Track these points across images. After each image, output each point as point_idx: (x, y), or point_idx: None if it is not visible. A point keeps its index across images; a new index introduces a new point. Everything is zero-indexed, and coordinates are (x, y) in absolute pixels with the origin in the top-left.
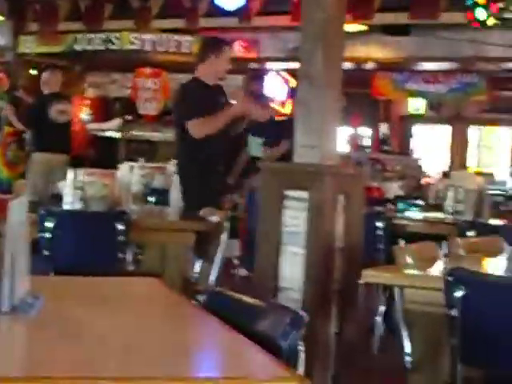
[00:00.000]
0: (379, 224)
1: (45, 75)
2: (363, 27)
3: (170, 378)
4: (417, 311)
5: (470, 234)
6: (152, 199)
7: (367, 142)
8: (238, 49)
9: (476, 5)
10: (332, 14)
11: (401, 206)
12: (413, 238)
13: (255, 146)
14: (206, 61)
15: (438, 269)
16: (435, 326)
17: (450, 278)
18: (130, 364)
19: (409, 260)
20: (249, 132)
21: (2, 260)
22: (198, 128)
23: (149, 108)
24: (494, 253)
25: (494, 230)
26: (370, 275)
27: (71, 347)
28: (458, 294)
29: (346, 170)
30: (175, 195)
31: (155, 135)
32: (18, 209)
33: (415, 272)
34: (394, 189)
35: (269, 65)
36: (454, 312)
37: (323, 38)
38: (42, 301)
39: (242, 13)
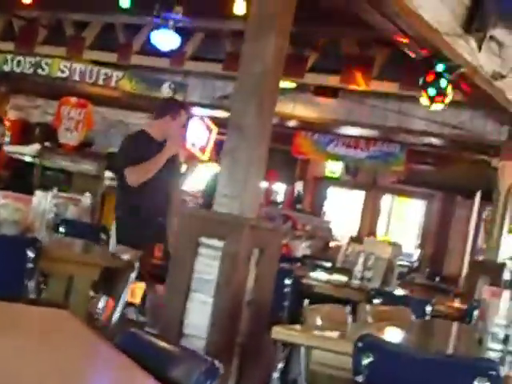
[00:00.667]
0: (287, 282)
1: None
2: (292, 84)
3: None
4: (322, 373)
5: (377, 301)
6: (63, 229)
7: (280, 198)
8: (166, 91)
9: (427, 84)
10: (270, 68)
11: (310, 266)
12: (318, 299)
13: None
14: (161, 119)
15: (346, 333)
16: None
17: (359, 344)
18: None
19: (318, 321)
20: None
21: None
22: (133, 175)
23: (69, 137)
24: (401, 323)
25: (401, 299)
26: (280, 332)
27: None
28: (366, 360)
29: (264, 224)
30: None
31: (72, 166)
32: None
33: (325, 334)
34: (302, 247)
35: (194, 110)
36: (360, 378)
37: (258, 90)
38: None
39: (174, 55)
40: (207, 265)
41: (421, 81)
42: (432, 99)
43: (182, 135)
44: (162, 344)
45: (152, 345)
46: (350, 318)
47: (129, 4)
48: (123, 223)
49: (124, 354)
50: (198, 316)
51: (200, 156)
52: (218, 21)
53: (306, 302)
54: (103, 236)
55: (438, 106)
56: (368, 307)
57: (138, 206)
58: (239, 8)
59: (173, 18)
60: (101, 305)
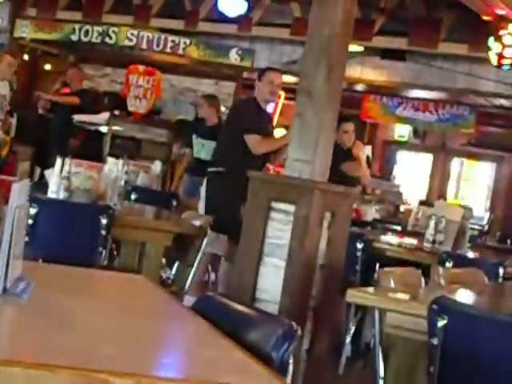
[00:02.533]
0: (359, 245)
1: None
2: (360, 48)
3: (166, 379)
4: (396, 336)
5: (449, 264)
6: (134, 197)
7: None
8: (233, 57)
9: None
10: (338, 32)
11: (381, 229)
12: (389, 262)
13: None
14: (256, 86)
15: (420, 296)
16: (413, 352)
17: (434, 307)
18: (122, 358)
19: (392, 284)
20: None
21: (0, 241)
22: (258, 144)
23: (138, 105)
24: (475, 285)
25: (473, 262)
26: (354, 295)
27: (61, 335)
28: (441, 322)
29: (335, 187)
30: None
31: (142, 133)
32: (20, 191)
33: (400, 296)
34: (371, 212)
35: None
36: (435, 340)
37: (327, 54)
38: (32, 286)
39: (241, 21)
40: (279, 229)
41: (490, 41)
42: (500, 56)
43: (272, 93)
44: (239, 307)
45: (229, 308)
46: (423, 281)
47: None
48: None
49: (201, 317)
50: (271, 280)
51: None
52: None
53: (378, 266)
54: (174, 203)
55: (505, 65)
56: (441, 270)
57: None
58: None
59: None
60: (173, 271)
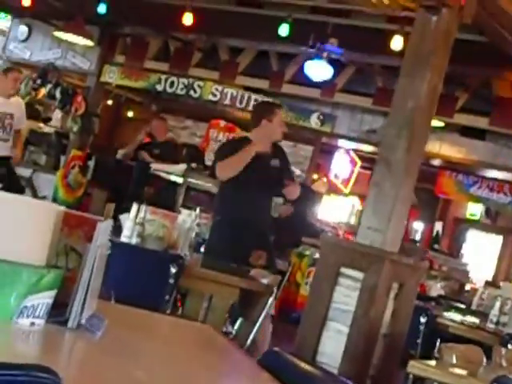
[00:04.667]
0: (423, 319)
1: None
2: (440, 123)
3: None
4: None
5: (511, 346)
6: (203, 249)
7: (419, 236)
8: (314, 121)
9: None
10: (423, 105)
11: (445, 306)
12: (451, 339)
13: None
14: (259, 125)
15: (480, 374)
16: None
17: None
18: None
19: (453, 360)
20: None
21: (80, 277)
22: (220, 169)
23: None
24: None
25: None
26: (415, 366)
27: (128, 372)
28: None
29: (405, 259)
30: None
31: (216, 188)
32: (104, 231)
33: (460, 372)
34: (436, 288)
35: (340, 142)
36: None
37: (410, 126)
38: (105, 324)
39: (325, 86)
40: (346, 295)
41: None
42: None
43: (282, 131)
44: (305, 365)
45: (294, 365)
46: (484, 360)
47: (287, 33)
48: (221, 232)
49: (267, 372)
50: (333, 345)
51: (343, 188)
52: (371, 55)
53: (439, 341)
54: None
55: None
56: (503, 350)
57: (239, 215)
58: (396, 44)
59: (327, 50)
60: (236, 326)
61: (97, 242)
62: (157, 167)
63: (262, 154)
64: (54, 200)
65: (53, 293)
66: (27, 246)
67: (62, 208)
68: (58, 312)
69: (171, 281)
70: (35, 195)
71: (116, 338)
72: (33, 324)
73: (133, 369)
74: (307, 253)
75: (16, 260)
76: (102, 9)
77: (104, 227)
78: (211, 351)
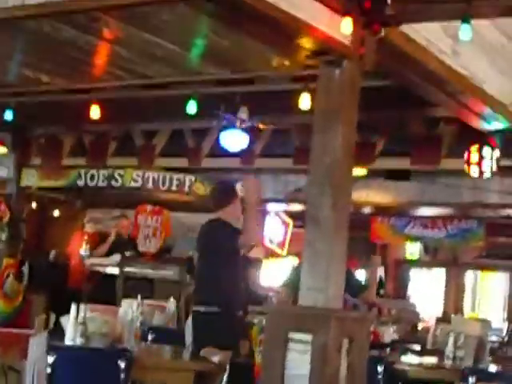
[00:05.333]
0: (380, 369)
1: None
2: (363, 171)
3: None
4: None
5: (472, 380)
6: (150, 337)
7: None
8: (239, 189)
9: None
10: (340, 159)
11: (400, 350)
12: (412, 383)
13: None
14: (229, 206)
15: None
16: None
17: None
18: None
19: None
20: None
21: None
22: (247, 237)
23: (148, 245)
24: None
25: (496, 376)
26: None
27: None
28: None
29: (350, 314)
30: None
31: (154, 273)
32: (38, 345)
33: None
34: (389, 333)
35: (269, 206)
36: None
37: (331, 182)
38: None
39: (244, 154)
40: (298, 359)
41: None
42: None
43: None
44: None
45: None
46: None
47: (195, 110)
48: (205, 319)
49: None
50: None
51: (279, 251)
52: (283, 117)
53: None
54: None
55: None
56: None
57: (220, 299)
58: (305, 102)
59: (239, 119)
60: None
61: (32, 358)
62: (91, 262)
63: None
64: None
65: None
66: None
67: None
68: None
69: (122, 376)
70: None
71: None
72: None
73: None
74: (255, 321)
75: None
76: (8, 115)
77: (37, 341)
78: None
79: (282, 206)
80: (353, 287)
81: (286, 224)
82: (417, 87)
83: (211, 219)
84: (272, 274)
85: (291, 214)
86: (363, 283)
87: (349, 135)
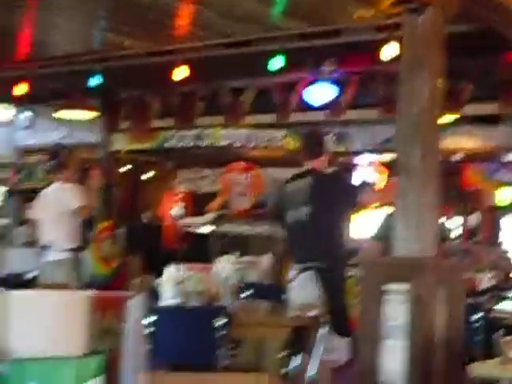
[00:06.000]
0: (476, 316)
1: None
2: (452, 118)
3: None
4: None
5: None
6: (246, 293)
7: (457, 232)
8: (329, 143)
9: None
10: (427, 108)
11: (497, 297)
12: (509, 330)
13: None
14: (320, 158)
15: None
16: None
17: None
18: None
19: None
20: None
21: (122, 357)
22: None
23: (241, 202)
24: None
25: None
26: (479, 368)
27: None
28: None
29: (445, 262)
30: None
31: (248, 229)
32: (136, 307)
33: None
34: (485, 280)
35: (359, 158)
36: None
37: (419, 132)
38: None
39: (332, 107)
40: (395, 310)
41: None
42: None
43: None
44: None
45: None
46: None
47: (281, 65)
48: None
49: None
50: (392, 362)
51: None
52: (369, 67)
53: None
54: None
55: None
56: None
57: (332, 255)
58: (390, 51)
59: (325, 71)
60: (294, 364)
61: (130, 319)
62: (184, 222)
63: None
64: (93, 276)
65: (100, 378)
66: (65, 338)
67: (90, 293)
68: None
69: (220, 333)
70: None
71: None
72: None
73: None
74: (351, 274)
75: (57, 355)
76: (96, 81)
77: (135, 303)
78: None
79: (372, 157)
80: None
81: (378, 174)
82: (502, 31)
83: (326, 172)
84: (366, 226)
85: (382, 165)
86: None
87: (435, 83)
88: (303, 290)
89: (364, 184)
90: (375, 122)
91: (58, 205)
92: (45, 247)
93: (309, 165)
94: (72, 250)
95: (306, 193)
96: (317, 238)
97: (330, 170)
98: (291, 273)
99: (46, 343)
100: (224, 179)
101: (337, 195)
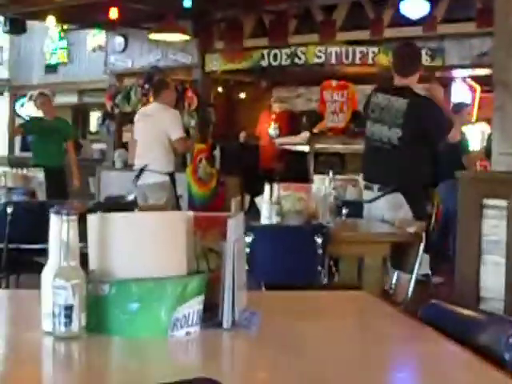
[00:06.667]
0: None
1: None
2: None
3: None
4: None
5: None
6: (345, 211)
7: None
8: (424, 58)
9: None
10: None
11: None
12: None
13: None
14: (415, 74)
15: None
16: None
17: None
18: (357, 381)
19: None
20: None
21: (224, 277)
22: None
23: (336, 120)
24: None
25: None
26: None
27: (295, 364)
28: None
29: None
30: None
31: (344, 147)
32: (236, 226)
33: None
34: None
35: (454, 72)
36: None
37: None
38: (259, 316)
39: (426, 21)
40: (494, 226)
41: None
42: None
43: None
44: (466, 312)
45: (455, 314)
46: None
47: None
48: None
49: (429, 327)
50: (493, 278)
51: (468, 118)
52: None
53: None
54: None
55: None
56: None
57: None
58: None
59: None
60: (394, 281)
61: (231, 239)
62: (280, 141)
63: None
64: (190, 197)
65: (201, 298)
66: (166, 259)
67: (191, 213)
68: (210, 315)
69: (319, 251)
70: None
71: (273, 329)
72: (188, 333)
73: (295, 356)
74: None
75: (158, 275)
76: (187, 3)
77: (235, 223)
78: (370, 317)
79: (468, 72)
80: None
81: (473, 89)
82: None
83: (422, 95)
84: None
85: (478, 79)
86: None
87: None
88: (393, 211)
89: (461, 105)
90: (471, 36)
91: (156, 127)
92: (143, 170)
93: (402, 81)
94: (169, 172)
95: (403, 114)
96: (406, 164)
97: (423, 93)
98: (368, 193)
99: (147, 264)
100: (320, 97)
101: (431, 124)
